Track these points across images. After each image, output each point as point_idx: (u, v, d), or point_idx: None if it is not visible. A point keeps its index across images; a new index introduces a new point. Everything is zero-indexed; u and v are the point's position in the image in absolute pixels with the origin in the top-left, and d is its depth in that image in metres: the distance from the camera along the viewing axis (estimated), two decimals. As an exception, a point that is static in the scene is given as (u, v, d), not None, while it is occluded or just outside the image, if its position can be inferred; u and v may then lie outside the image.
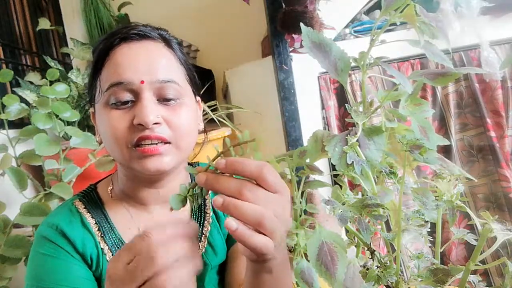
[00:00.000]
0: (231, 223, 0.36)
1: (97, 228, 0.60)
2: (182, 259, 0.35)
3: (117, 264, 0.36)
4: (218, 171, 0.39)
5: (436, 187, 0.69)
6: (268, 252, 0.39)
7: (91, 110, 0.64)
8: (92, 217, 0.61)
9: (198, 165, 0.76)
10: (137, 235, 0.36)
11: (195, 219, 0.69)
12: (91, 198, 0.64)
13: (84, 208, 0.62)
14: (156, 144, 0.54)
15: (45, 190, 1.06)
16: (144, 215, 0.63)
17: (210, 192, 0.43)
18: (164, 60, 0.57)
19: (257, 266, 0.45)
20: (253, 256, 0.42)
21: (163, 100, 0.56)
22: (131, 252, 0.36)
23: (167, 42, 0.60)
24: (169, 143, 0.55)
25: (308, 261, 0.57)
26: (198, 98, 0.65)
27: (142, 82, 0.54)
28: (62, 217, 0.60)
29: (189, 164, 0.73)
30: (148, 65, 0.55)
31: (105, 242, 0.60)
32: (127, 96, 0.55)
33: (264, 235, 0.38)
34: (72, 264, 0.57)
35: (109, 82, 0.55)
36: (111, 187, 0.65)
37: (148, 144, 0.54)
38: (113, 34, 0.58)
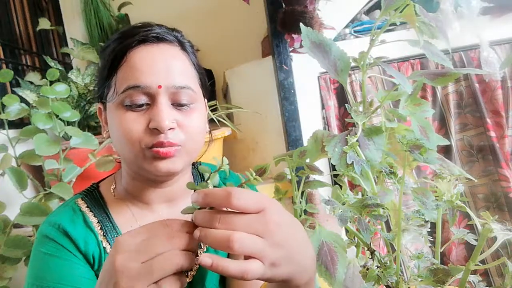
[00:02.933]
0: (204, 259, 0.36)
1: (99, 227, 0.60)
2: (184, 253, 0.38)
3: (130, 238, 0.39)
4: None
5: (436, 187, 0.69)
6: (261, 275, 0.37)
7: (99, 105, 0.64)
8: (95, 216, 0.61)
9: (200, 165, 0.76)
10: (156, 221, 0.40)
11: None
12: (94, 197, 0.64)
13: (87, 207, 0.62)
14: (169, 147, 0.55)
15: (45, 190, 1.06)
16: (147, 214, 0.63)
17: None
18: (180, 65, 0.58)
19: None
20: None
21: (177, 105, 0.57)
22: (148, 232, 0.39)
23: (182, 45, 0.61)
24: (180, 146, 0.56)
25: (308, 261, 0.57)
26: (205, 100, 0.66)
27: (160, 86, 0.55)
28: (65, 216, 0.60)
29: (193, 164, 0.74)
30: (166, 69, 0.56)
31: (107, 241, 0.60)
32: (143, 99, 0.55)
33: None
34: (74, 263, 0.57)
35: (126, 85, 0.55)
36: (114, 186, 0.65)
37: (161, 147, 0.55)
38: (130, 35, 0.58)
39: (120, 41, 0.58)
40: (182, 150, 0.57)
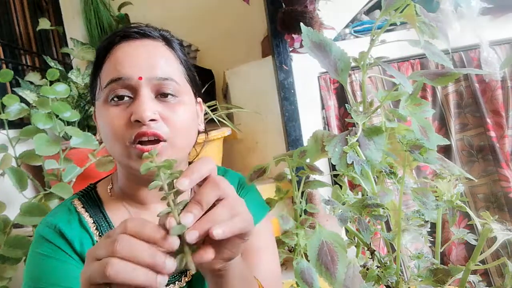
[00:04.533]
0: (217, 232, 0.36)
1: (95, 227, 0.60)
2: (138, 267, 0.34)
3: (103, 237, 0.37)
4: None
5: (436, 187, 0.69)
6: (251, 228, 0.40)
7: (94, 109, 0.64)
8: (90, 216, 0.61)
9: None
10: (130, 218, 0.37)
11: None
12: (90, 197, 0.64)
13: (82, 207, 0.62)
14: (153, 141, 0.54)
15: (45, 190, 1.06)
16: (144, 214, 0.63)
17: None
18: (163, 58, 0.58)
19: (224, 271, 0.45)
20: (226, 257, 0.42)
21: (161, 97, 0.56)
22: (114, 230, 0.37)
23: (167, 41, 0.61)
24: (165, 141, 0.55)
25: (308, 261, 0.57)
26: (199, 99, 0.65)
27: (140, 78, 0.54)
28: (61, 217, 0.60)
29: (189, 163, 0.73)
30: (147, 62, 0.56)
31: None
32: (126, 93, 0.55)
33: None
34: (70, 264, 0.57)
35: (108, 78, 0.55)
36: (111, 186, 0.65)
37: (146, 143, 0.54)
38: (115, 33, 0.59)
39: (106, 40, 0.59)
40: (168, 146, 0.55)
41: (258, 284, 0.56)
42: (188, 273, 0.62)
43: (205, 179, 0.39)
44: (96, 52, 0.61)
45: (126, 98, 0.55)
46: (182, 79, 0.60)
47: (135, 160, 0.55)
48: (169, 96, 0.56)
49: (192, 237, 0.35)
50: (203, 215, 0.37)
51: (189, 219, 0.35)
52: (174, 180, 0.37)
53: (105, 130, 0.56)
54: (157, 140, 0.54)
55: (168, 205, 0.37)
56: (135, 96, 0.55)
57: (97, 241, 0.59)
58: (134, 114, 0.53)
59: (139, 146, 0.54)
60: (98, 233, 0.60)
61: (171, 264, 0.35)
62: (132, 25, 0.60)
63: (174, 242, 0.35)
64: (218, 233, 0.36)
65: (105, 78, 0.56)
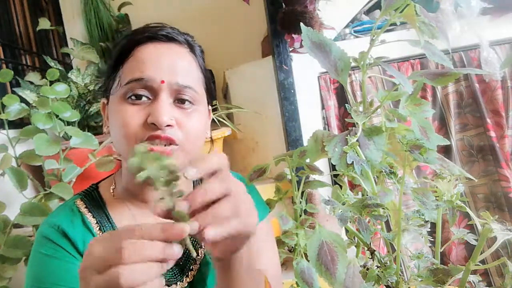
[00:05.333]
0: (209, 233, 0.36)
1: (98, 227, 0.60)
2: (150, 264, 0.34)
3: (96, 246, 0.36)
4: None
5: (436, 187, 0.69)
6: (251, 228, 0.40)
7: (103, 100, 0.64)
8: (93, 217, 0.61)
9: None
10: (124, 226, 0.37)
11: None
12: (93, 198, 0.64)
13: (85, 207, 0.62)
14: (165, 145, 0.55)
15: (45, 190, 1.06)
16: (147, 214, 0.63)
17: None
18: (186, 65, 0.58)
19: (230, 261, 0.46)
20: (234, 246, 0.43)
21: (178, 103, 0.57)
22: (111, 239, 0.36)
23: (191, 47, 0.61)
24: (177, 145, 0.56)
25: (308, 261, 0.57)
26: (209, 107, 0.66)
27: (163, 81, 0.55)
28: (64, 217, 0.60)
29: None
30: (171, 66, 0.56)
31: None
32: (145, 93, 0.56)
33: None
34: (73, 265, 0.57)
35: (130, 77, 0.56)
36: (114, 186, 0.65)
37: (157, 145, 0.54)
38: (141, 32, 0.59)
39: (130, 37, 0.59)
40: (178, 150, 0.56)
41: (264, 277, 0.57)
42: (190, 273, 0.62)
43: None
44: (119, 46, 0.60)
45: (144, 98, 0.56)
46: (201, 87, 0.61)
47: None
48: (187, 103, 0.57)
49: (193, 228, 0.35)
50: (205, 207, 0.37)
51: (183, 206, 0.35)
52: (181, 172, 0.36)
53: (118, 126, 0.56)
54: (168, 144, 0.55)
55: (160, 192, 0.36)
56: (154, 98, 0.56)
57: None
58: (152, 116, 0.54)
59: (149, 145, 0.54)
60: (101, 233, 0.60)
61: (178, 249, 0.35)
62: (157, 26, 0.60)
63: (184, 231, 0.35)
64: (210, 234, 0.36)
65: (126, 75, 0.57)
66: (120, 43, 0.60)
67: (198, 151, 0.62)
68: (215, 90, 2.12)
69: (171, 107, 0.56)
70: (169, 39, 0.58)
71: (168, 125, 0.54)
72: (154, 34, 0.58)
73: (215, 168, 0.39)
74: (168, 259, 0.35)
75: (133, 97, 0.55)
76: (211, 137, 0.69)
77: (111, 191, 0.65)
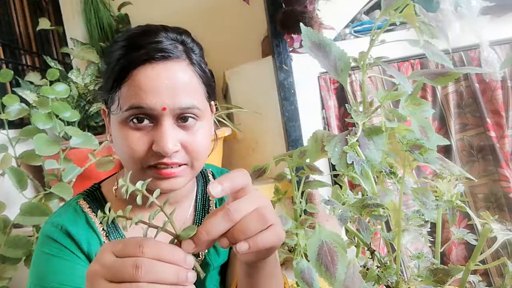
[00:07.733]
0: (242, 246, 0.38)
1: (101, 227, 0.61)
2: (166, 281, 0.35)
3: (108, 255, 0.36)
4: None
5: (436, 187, 0.69)
6: (282, 238, 0.42)
7: (103, 107, 0.62)
8: (97, 217, 0.61)
9: (206, 169, 0.76)
10: (136, 238, 0.37)
11: (199, 219, 0.69)
12: (95, 198, 0.64)
13: (89, 207, 0.62)
14: (172, 167, 0.55)
15: (45, 190, 1.06)
16: (149, 214, 0.63)
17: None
18: (187, 81, 0.56)
19: (257, 265, 0.49)
20: (259, 256, 0.45)
21: (181, 120, 0.55)
22: (125, 250, 0.36)
23: (190, 57, 0.58)
24: (185, 164, 0.56)
25: (308, 261, 0.57)
26: (212, 102, 0.64)
27: (164, 109, 0.53)
28: (67, 217, 0.60)
29: None
30: (171, 89, 0.53)
31: (109, 241, 0.60)
32: (147, 119, 0.54)
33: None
34: (76, 264, 0.57)
35: (130, 103, 0.53)
36: (116, 187, 0.65)
37: (164, 168, 0.54)
38: (136, 48, 0.55)
39: (125, 53, 0.55)
40: (186, 168, 0.56)
41: (284, 280, 0.60)
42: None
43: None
44: (114, 63, 0.56)
45: (146, 121, 0.54)
46: (203, 100, 0.59)
47: (150, 181, 0.55)
48: (190, 119, 0.56)
49: (223, 244, 0.38)
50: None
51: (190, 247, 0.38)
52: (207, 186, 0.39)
53: (122, 149, 0.55)
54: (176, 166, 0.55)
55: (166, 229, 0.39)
56: (157, 123, 0.54)
57: (104, 242, 0.59)
58: (156, 145, 0.53)
59: (156, 170, 0.54)
60: (105, 233, 0.61)
61: (192, 276, 0.37)
62: (152, 36, 0.55)
63: (192, 261, 0.37)
64: (243, 248, 0.38)
65: (125, 100, 0.54)
66: (115, 55, 0.56)
67: (204, 161, 0.61)
68: (215, 90, 2.12)
69: (175, 130, 0.54)
70: (166, 58, 0.55)
71: (174, 152, 0.54)
72: (150, 55, 0.54)
73: (241, 186, 0.40)
74: (183, 284, 0.36)
75: (135, 120, 0.54)
76: (215, 134, 0.69)
77: (113, 191, 0.65)
